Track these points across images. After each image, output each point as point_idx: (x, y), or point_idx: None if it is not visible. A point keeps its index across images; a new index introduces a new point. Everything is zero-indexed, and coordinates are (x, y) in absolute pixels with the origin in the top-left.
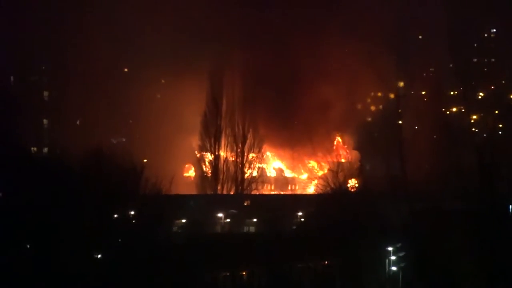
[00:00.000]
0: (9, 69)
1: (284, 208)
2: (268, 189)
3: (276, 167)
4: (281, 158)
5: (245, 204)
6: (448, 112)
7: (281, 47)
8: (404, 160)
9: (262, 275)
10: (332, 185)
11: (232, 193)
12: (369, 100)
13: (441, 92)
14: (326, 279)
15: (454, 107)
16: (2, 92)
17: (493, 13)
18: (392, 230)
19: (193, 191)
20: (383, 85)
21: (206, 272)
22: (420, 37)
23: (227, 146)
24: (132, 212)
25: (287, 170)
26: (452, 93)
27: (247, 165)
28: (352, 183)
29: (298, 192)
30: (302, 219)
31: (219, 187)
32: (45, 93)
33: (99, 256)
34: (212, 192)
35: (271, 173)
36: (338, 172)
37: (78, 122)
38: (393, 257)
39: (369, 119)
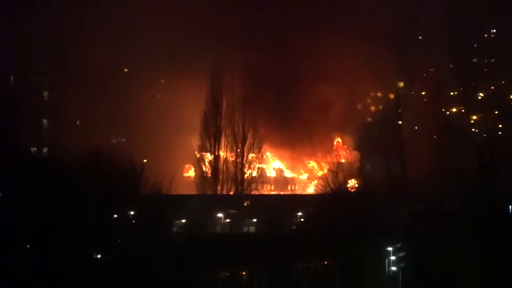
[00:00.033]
0: (9, 69)
1: (284, 208)
2: (268, 189)
3: (276, 167)
4: (281, 158)
5: (245, 204)
6: (448, 113)
7: (281, 47)
8: (404, 160)
9: (262, 275)
10: (332, 185)
11: (232, 193)
12: (369, 100)
13: (441, 93)
14: (326, 279)
15: (454, 107)
16: (2, 92)
17: (493, 13)
18: (392, 230)
19: (193, 191)
20: (383, 85)
21: (206, 272)
22: (420, 37)
23: (227, 146)
24: (132, 212)
25: (287, 170)
26: (452, 93)
27: (247, 165)
28: (352, 183)
29: (298, 192)
30: (302, 219)
31: (219, 187)
32: (45, 93)
33: (99, 256)
34: (212, 192)
35: (271, 173)
36: (338, 172)
37: (78, 122)
38: (393, 257)
39: (369, 119)
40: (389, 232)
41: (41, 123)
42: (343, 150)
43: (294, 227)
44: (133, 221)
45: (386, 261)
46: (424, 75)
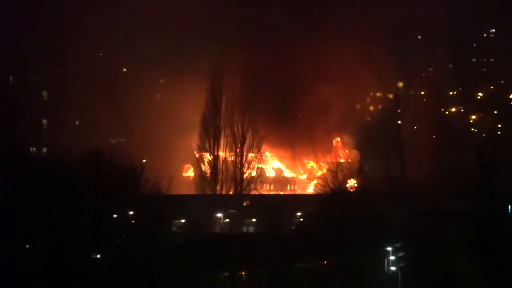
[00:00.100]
0: (9, 69)
1: (283, 208)
2: (267, 189)
3: (275, 167)
4: (280, 158)
5: (244, 204)
6: (447, 112)
7: (280, 47)
8: (404, 160)
9: (261, 275)
10: (331, 185)
11: (231, 193)
12: (368, 100)
13: (441, 92)
14: (325, 279)
15: (453, 107)
16: (1, 92)
17: (492, 13)
18: (391, 230)
19: (192, 191)
20: (382, 85)
21: (206, 272)
22: (419, 37)
23: (226, 146)
24: (132, 212)
25: (286, 170)
26: (451, 93)
27: (246, 165)
28: (352, 183)
29: (298, 192)
30: (301, 219)
31: (218, 187)
32: (44, 93)
33: (99, 256)
34: (211, 192)
35: (270, 173)
36: (337, 172)
37: (77, 122)
38: (392, 257)
39: (369, 119)
40: (388, 232)
41: (41, 123)
42: (342, 150)
43: (293, 227)
44: (133, 221)
45: (386, 261)
46: (424, 75)
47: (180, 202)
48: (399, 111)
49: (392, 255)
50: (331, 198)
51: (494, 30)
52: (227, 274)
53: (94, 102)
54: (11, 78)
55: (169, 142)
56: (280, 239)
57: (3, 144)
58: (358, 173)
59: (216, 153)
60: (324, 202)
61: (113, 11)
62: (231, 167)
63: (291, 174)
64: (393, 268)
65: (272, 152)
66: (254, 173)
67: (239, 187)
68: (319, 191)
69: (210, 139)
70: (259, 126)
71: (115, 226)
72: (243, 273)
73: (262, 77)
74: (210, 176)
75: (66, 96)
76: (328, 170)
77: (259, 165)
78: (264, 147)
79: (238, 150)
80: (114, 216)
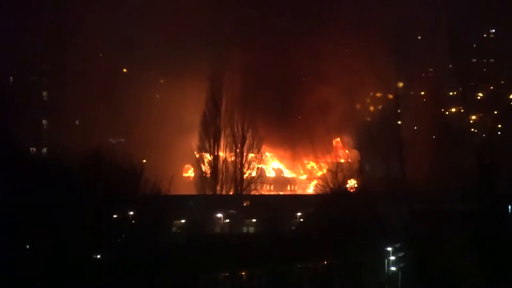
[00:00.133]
0: (9, 69)
1: (283, 209)
2: (267, 190)
3: (275, 167)
4: (280, 158)
5: (245, 204)
6: (447, 113)
7: (280, 47)
8: (404, 160)
9: (261, 275)
10: (331, 186)
11: (231, 193)
12: (368, 101)
13: (440, 93)
14: (325, 280)
15: (453, 107)
16: (1, 92)
17: (492, 13)
18: (391, 231)
19: (192, 191)
20: (382, 85)
21: (206, 272)
22: (419, 37)
23: (226, 147)
24: (132, 213)
25: (286, 170)
26: (451, 93)
27: (246, 166)
28: (352, 183)
29: (298, 192)
30: (302, 220)
31: (218, 188)
32: (44, 93)
33: (99, 256)
34: (211, 193)
35: (270, 173)
36: (337, 173)
37: (77, 123)
38: (392, 257)
39: (369, 119)
40: (388, 232)
41: (41, 123)
42: (342, 150)
43: (293, 227)
44: (133, 221)
45: (386, 261)
46: (424, 75)
47: (180, 203)
48: (399, 111)
49: (392, 255)
50: (331, 198)
51: (494, 31)
52: (227, 274)
53: (94, 102)
54: (11, 78)
55: (169, 142)
56: (280, 239)
57: (3, 144)
58: (358, 173)
59: (216, 154)
60: (324, 202)
61: (113, 11)
62: (231, 168)
63: (291, 175)
64: (393, 268)
65: (272, 152)
66: (254, 174)
67: (239, 188)
68: (319, 191)
69: (210, 139)
70: (259, 126)
71: (115, 226)
72: (243, 273)
73: (262, 77)
74: (210, 176)
75: (66, 96)
76: (328, 170)
77: (259, 166)
78: (264, 147)
79: (238, 150)
80: (114, 216)
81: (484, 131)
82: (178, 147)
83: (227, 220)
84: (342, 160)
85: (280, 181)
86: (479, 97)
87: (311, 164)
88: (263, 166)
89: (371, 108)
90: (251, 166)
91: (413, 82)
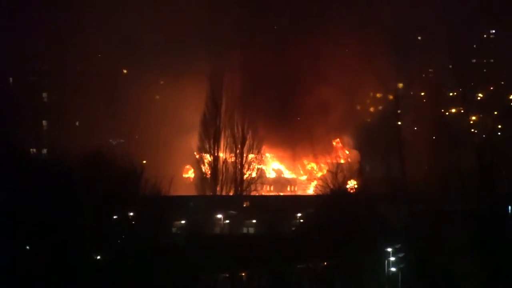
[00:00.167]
0: (9, 70)
1: (283, 209)
2: (267, 190)
3: (276, 168)
4: (281, 159)
5: (245, 205)
6: (447, 113)
7: (280, 47)
8: (404, 161)
9: (261, 276)
10: (331, 186)
11: (231, 194)
12: (368, 101)
13: (441, 93)
14: (325, 280)
15: (453, 108)
16: (1, 93)
17: (492, 13)
18: (391, 231)
19: (192, 192)
20: (382, 86)
21: (206, 273)
22: (419, 38)
23: (226, 147)
24: (132, 213)
25: (286, 171)
26: (451, 94)
27: (246, 166)
28: (352, 184)
29: (298, 193)
30: (302, 220)
31: (218, 188)
32: (44, 94)
33: (99, 257)
34: (211, 193)
35: (270, 174)
36: (338, 173)
37: (77, 123)
38: (392, 258)
39: (369, 120)
40: (388, 233)
41: (41, 124)
42: (342, 150)
43: (293, 228)
44: (133, 222)
45: (386, 262)
46: (424, 75)
47: (180, 203)
48: (399, 111)
49: (392, 256)
50: (331, 199)
51: (494, 31)
52: (227, 275)
53: (94, 103)
54: (11, 79)
55: (169, 143)
56: (280, 240)
57: (4, 144)
58: (358, 174)
59: (216, 154)
60: (324, 203)
61: (113, 12)
62: (231, 168)
63: (291, 175)
64: (393, 269)
65: (272, 153)
66: (254, 174)
67: (239, 188)
68: (319, 192)
69: (210, 140)
70: (259, 126)
71: (115, 227)
72: (243, 274)
73: (262, 77)
74: (210, 177)
75: (66, 97)
76: (328, 171)
77: (259, 166)
78: (264, 148)
79: (238, 151)
80: (114, 217)
81: (484, 131)
82: (178, 147)
83: (227, 221)
84: (342, 161)
85: (280, 181)
86: (479, 98)
87: (311, 165)
88: (263, 167)
89: (371, 108)
90: (251, 166)
91: (413, 83)
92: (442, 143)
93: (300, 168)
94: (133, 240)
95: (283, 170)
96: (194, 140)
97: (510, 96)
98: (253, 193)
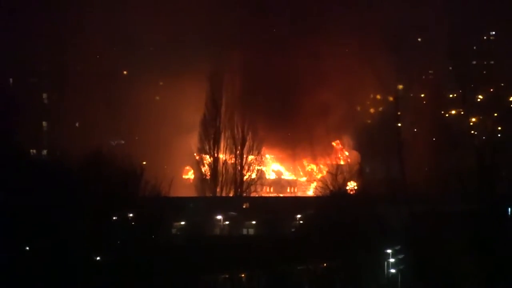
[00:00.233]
0: (9, 70)
1: (283, 211)
2: (267, 192)
3: (275, 169)
4: (280, 160)
5: (244, 206)
6: (447, 115)
7: (280, 48)
8: (404, 162)
9: (261, 277)
10: (331, 188)
11: (231, 195)
12: (368, 102)
13: (440, 95)
14: (325, 281)
15: (453, 109)
16: (1, 93)
17: (492, 15)
18: (391, 232)
19: (192, 193)
20: (382, 87)
21: (205, 274)
22: (419, 39)
23: (226, 148)
24: (131, 214)
25: (286, 172)
26: (451, 95)
27: (246, 167)
28: (352, 185)
29: (298, 194)
30: (301, 222)
31: (218, 190)
32: (44, 95)
33: (98, 258)
34: (211, 195)
35: (270, 175)
36: (337, 175)
37: (77, 124)
38: (392, 260)
39: (369, 121)
40: (388, 234)
41: (41, 125)
42: (342, 152)
43: (293, 229)
44: (133, 223)
45: (386, 263)
46: (424, 77)
47: (180, 204)
48: (399, 113)
49: (392, 257)
50: (331, 200)
51: (494, 33)
52: (227, 276)
53: (94, 104)
54: (11, 80)
55: (168, 144)
56: (280, 241)
57: (4, 145)
58: (358, 175)
59: (216, 155)
60: (324, 204)
61: (113, 12)
62: (231, 169)
63: (291, 176)
64: (393, 271)
65: (272, 154)
66: (254, 175)
67: (239, 189)
68: (319, 193)
69: (210, 141)
70: (259, 127)
71: (115, 227)
72: (243, 275)
73: (262, 78)
74: (210, 178)
75: (66, 98)
76: (328, 172)
77: (259, 167)
78: (264, 149)
79: (238, 152)
80: (114, 217)
81: (484, 133)
82: (178, 148)
83: (227, 222)
84: (342, 162)
85: (280, 183)
86: (479, 99)
87: (311, 166)
88: (263, 168)
89: (371, 109)
90: (251, 168)
91: (413, 84)
92: (442, 145)
93: (300, 170)
94: (133, 241)
95: (283, 172)
96: (194, 141)
97: (510, 97)
98: (253, 194)
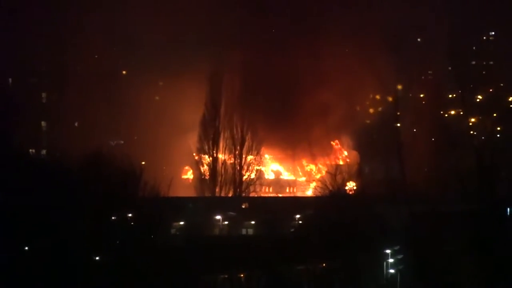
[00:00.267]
0: (8, 70)
1: (282, 211)
2: (266, 192)
3: (275, 169)
4: (280, 160)
5: (243, 206)
6: (446, 115)
7: (280, 48)
8: (403, 162)
9: (260, 277)
10: (331, 188)
11: (230, 195)
12: (367, 102)
13: (440, 95)
14: (324, 281)
15: (452, 110)
16: (1, 93)
17: (492, 15)
18: (390, 233)
19: (191, 193)
20: (382, 87)
21: (205, 274)
22: (419, 39)
23: (225, 149)
24: (131, 215)
25: (285, 172)
26: (450, 96)
27: (245, 168)
28: (351, 185)
29: (297, 194)
30: (300, 222)
31: (217, 190)
32: (44, 95)
33: (98, 258)
34: (210, 195)
35: (269, 175)
36: (337, 175)
37: (76, 124)
38: (391, 260)
39: (368, 121)
40: (388, 234)
41: (40, 125)
42: (341, 152)
43: (292, 230)
44: (132, 223)
45: (385, 263)
46: (423, 77)
47: (179, 205)
48: (398, 113)
49: (391, 257)
50: (330, 200)
51: (493, 33)
52: (226, 276)
53: (93, 104)
54: (10, 79)
55: (168, 144)
56: (279, 241)
57: (3, 145)
58: (357, 175)
59: (215, 155)
60: (323, 205)
61: (113, 12)
62: (230, 170)
63: (290, 177)
64: (392, 271)
65: (271, 154)
66: (253, 176)
67: (238, 190)
68: (318, 194)
69: (209, 141)
70: (258, 128)
71: (114, 227)
72: (242, 275)
73: (262, 78)
74: (209, 178)
75: (65, 98)
76: (327, 172)
77: (258, 168)
78: (263, 149)
79: (237, 152)
80: (113, 218)
81: (484, 133)
82: (177, 149)
83: (226, 222)
84: (341, 162)
85: (279, 183)
86: (478, 100)
87: (310, 166)
88: (262, 168)
89: (371, 109)
90: (250, 168)
91: (413, 84)
92: (441, 145)
93: (299, 170)
94: (132, 241)
95: (282, 172)
96: (193, 141)
97: (509, 98)
98: (252, 195)
